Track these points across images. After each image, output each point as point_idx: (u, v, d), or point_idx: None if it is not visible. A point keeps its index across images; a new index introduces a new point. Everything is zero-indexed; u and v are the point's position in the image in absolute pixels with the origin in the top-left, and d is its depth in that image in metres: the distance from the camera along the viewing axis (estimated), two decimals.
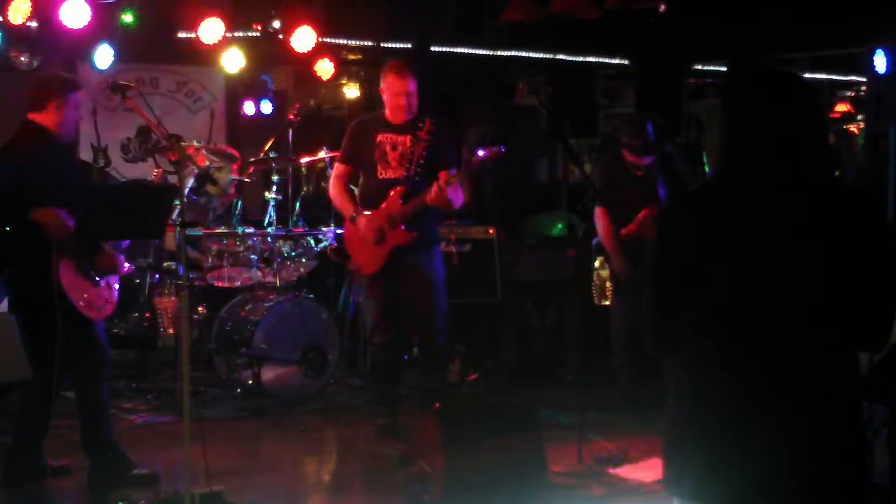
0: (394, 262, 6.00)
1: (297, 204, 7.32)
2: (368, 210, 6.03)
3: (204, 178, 6.70)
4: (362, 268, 6.11)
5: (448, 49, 9.17)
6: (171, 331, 7.49)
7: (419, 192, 5.89)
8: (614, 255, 6.69)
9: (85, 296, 5.06)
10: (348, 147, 6.17)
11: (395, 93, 5.97)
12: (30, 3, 6.87)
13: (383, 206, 5.97)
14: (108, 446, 5.27)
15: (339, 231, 7.30)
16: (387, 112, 6.06)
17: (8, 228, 4.96)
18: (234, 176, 7.21)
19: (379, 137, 6.02)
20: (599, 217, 6.76)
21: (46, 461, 5.29)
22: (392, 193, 5.95)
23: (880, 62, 8.00)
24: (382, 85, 6.10)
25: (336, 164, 6.25)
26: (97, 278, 5.15)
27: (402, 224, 5.94)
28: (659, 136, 6.78)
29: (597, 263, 6.73)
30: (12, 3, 6.85)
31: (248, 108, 9.40)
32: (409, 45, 9.18)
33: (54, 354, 4.96)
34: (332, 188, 6.21)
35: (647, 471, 5.35)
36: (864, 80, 9.95)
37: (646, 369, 6.83)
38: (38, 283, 4.93)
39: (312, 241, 7.38)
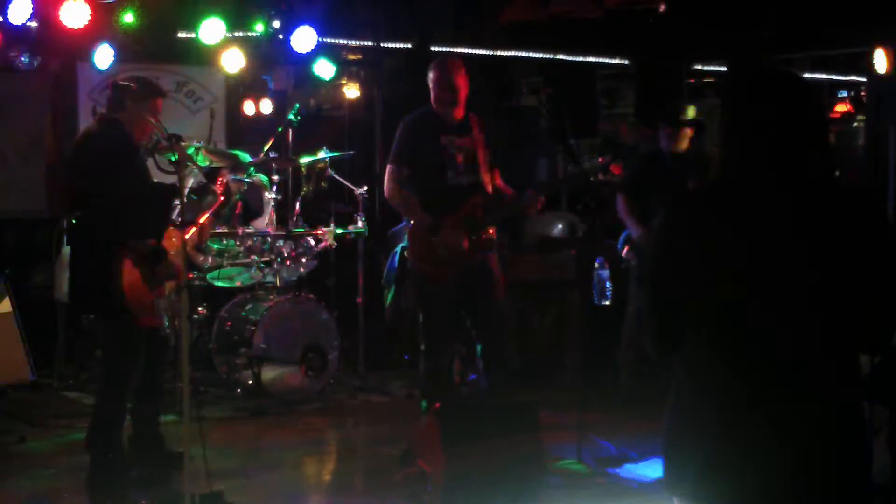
0: (473, 268, 5.86)
1: (297, 204, 7.33)
2: (436, 215, 5.81)
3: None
4: (441, 275, 5.83)
5: (448, 49, 9.16)
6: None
7: (490, 196, 5.86)
8: (633, 226, 6.76)
9: (144, 301, 5.08)
10: (408, 148, 5.88)
11: (450, 88, 5.83)
12: (30, 3, 6.87)
13: (464, 212, 5.78)
14: (113, 448, 5.27)
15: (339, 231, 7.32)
16: (437, 110, 5.89)
17: (74, 221, 5.00)
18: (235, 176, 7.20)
19: (443, 140, 5.83)
20: (619, 201, 6.84)
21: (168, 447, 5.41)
22: (474, 200, 5.80)
23: (880, 62, 8.00)
24: (433, 80, 5.91)
25: (393, 167, 5.90)
26: (156, 285, 5.15)
27: (484, 231, 5.83)
28: (698, 127, 6.81)
29: (596, 264, 6.75)
30: (12, 3, 6.85)
31: (248, 108, 9.40)
32: (409, 45, 9.18)
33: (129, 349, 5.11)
34: (397, 193, 5.88)
35: (647, 471, 5.35)
36: (864, 80, 9.95)
37: (648, 368, 6.85)
38: (100, 281, 4.98)
39: (312, 241, 7.39)
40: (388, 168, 5.96)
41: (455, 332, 6.04)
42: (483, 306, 5.90)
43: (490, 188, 5.88)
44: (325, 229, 7.37)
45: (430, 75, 5.93)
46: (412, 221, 5.92)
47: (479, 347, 5.98)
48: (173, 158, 4.99)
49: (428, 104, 5.96)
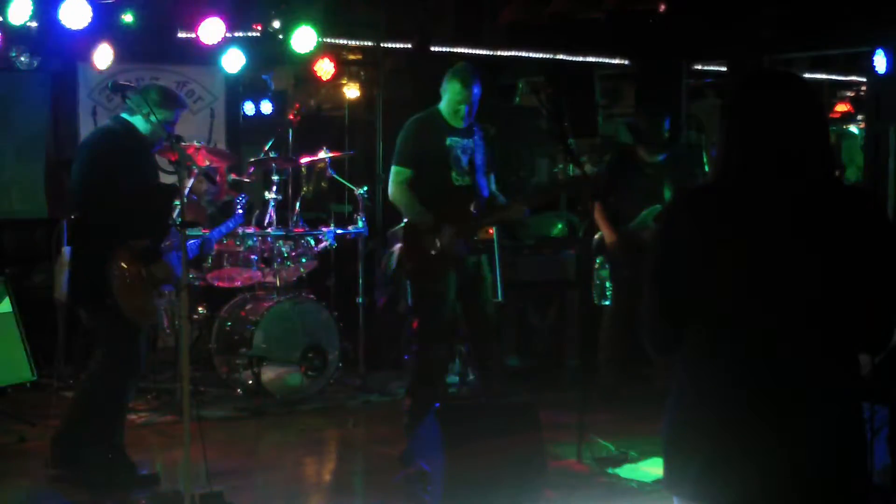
0: (467, 270, 5.97)
1: (297, 204, 7.33)
2: (437, 215, 5.87)
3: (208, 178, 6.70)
4: (435, 274, 5.88)
5: (448, 49, 9.16)
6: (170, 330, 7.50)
7: (486, 200, 5.97)
8: (605, 229, 6.80)
9: (135, 301, 5.08)
10: (414, 150, 5.91)
11: (461, 100, 5.86)
12: (30, 3, 6.87)
13: (463, 213, 5.86)
14: (113, 448, 5.27)
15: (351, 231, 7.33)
16: (446, 115, 5.93)
17: (74, 218, 5.03)
18: (234, 176, 7.22)
19: (448, 141, 5.89)
20: (594, 209, 6.84)
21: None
22: (476, 201, 5.90)
23: (880, 62, 8.00)
24: (448, 88, 5.92)
25: (398, 169, 5.92)
26: (150, 286, 5.16)
27: (479, 233, 5.96)
28: (673, 133, 6.82)
29: (596, 264, 6.75)
30: (12, 3, 6.85)
31: (248, 108, 9.41)
32: (409, 45, 9.18)
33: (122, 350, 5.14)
34: (403, 195, 5.91)
35: (647, 471, 5.35)
36: (864, 80, 9.95)
37: (629, 367, 6.87)
38: (94, 281, 5.00)
39: (312, 241, 7.39)
40: (393, 169, 5.99)
41: (450, 330, 6.06)
42: (472, 309, 6.03)
43: (487, 192, 5.99)
44: (324, 229, 7.38)
45: (453, 84, 5.90)
46: (407, 220, 5.99)
47: (467, 349, 6.09)
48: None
49: (434, 104, 5.98)
